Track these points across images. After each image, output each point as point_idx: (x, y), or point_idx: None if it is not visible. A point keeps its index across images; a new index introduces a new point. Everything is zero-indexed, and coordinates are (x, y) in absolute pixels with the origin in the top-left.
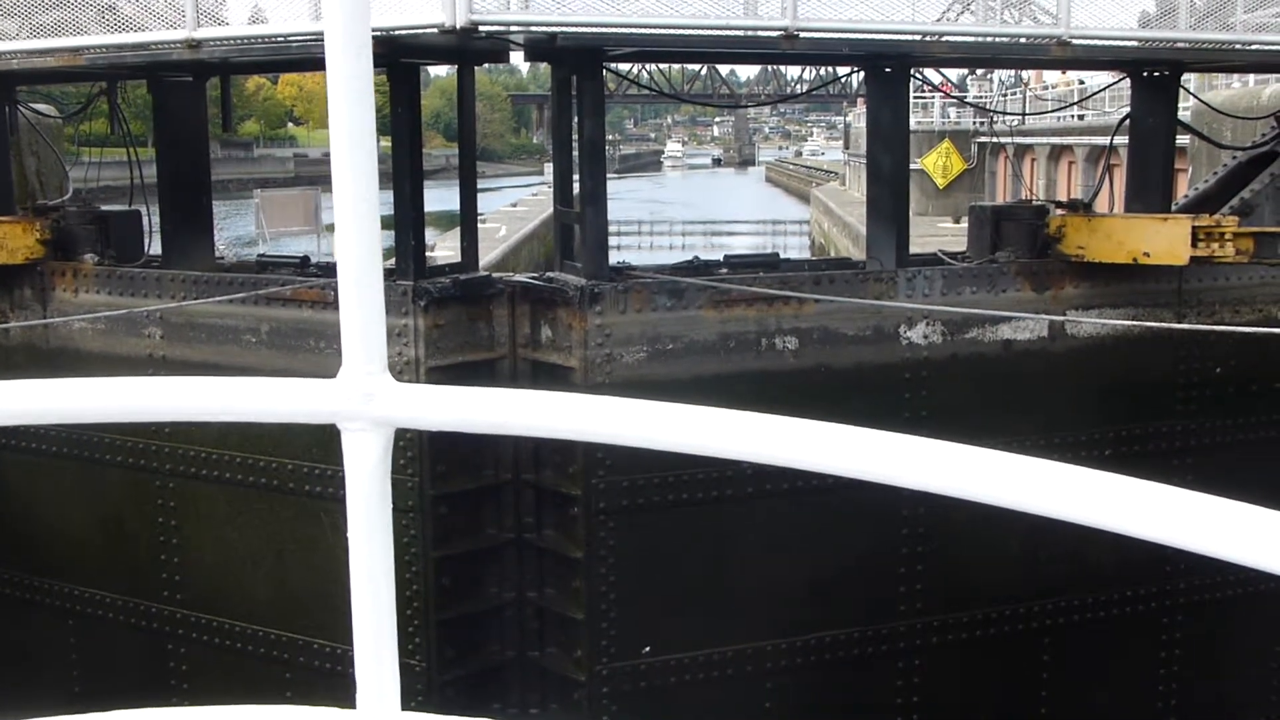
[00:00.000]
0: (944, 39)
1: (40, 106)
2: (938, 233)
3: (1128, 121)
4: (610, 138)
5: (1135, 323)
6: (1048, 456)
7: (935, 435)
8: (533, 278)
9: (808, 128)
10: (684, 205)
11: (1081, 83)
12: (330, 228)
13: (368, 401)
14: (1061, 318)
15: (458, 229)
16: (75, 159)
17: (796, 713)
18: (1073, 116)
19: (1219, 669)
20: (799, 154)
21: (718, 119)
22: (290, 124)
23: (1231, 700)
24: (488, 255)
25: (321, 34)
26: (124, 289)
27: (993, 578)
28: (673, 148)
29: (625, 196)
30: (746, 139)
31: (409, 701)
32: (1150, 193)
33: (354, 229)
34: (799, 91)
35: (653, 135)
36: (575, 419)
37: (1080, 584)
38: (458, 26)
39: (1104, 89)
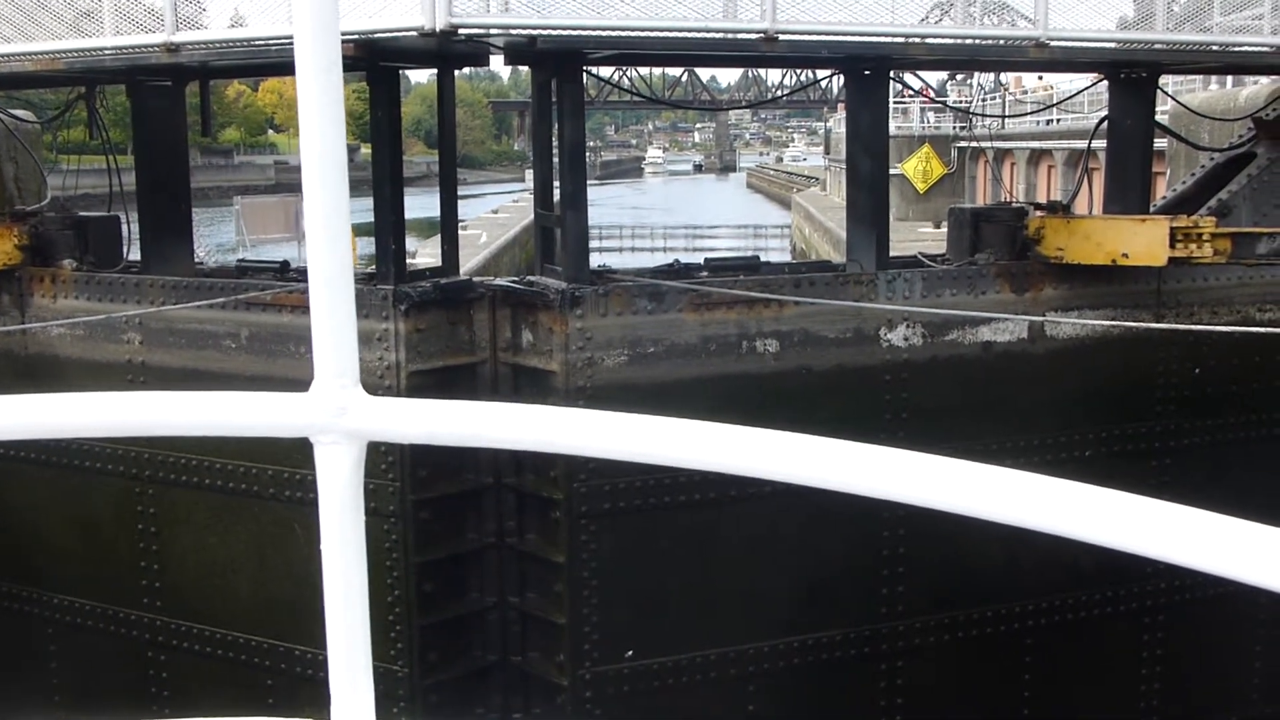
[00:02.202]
0: (922, 41)
1: (18, 112)
2: (918, 237)
3: (1106, 124)
4: (591, 144)
5: (1114, 323)
6: (1028, 457)
7: (916, 437)
8: (513, 281)
9: (789, 133)
10: (665, 211)
11: (1050, 87)
12: None
13: (340, 415)
14: (1041, 319)
15: (439, 235)
16: (53, 166)
17: (781, 715)
18: (1052, 120)
19: (1200, 668)
20: (780, 160)
21: (699, 125)
22: (271, 131)
23: (1212, 699)
24: (469, 261)
25: None
26: (103, 294)
27: (976, 579)
28: (654, 154)
29: (606, 203)
30: (727, 145)
31: (389, 709)
32: (1128, 194)
33: (325, 242)
34: (779, 96)
35: (634, 142)
36: (546, 431)
37: (1062, 585)
38: (437, 29)
39: (1080, 92)
